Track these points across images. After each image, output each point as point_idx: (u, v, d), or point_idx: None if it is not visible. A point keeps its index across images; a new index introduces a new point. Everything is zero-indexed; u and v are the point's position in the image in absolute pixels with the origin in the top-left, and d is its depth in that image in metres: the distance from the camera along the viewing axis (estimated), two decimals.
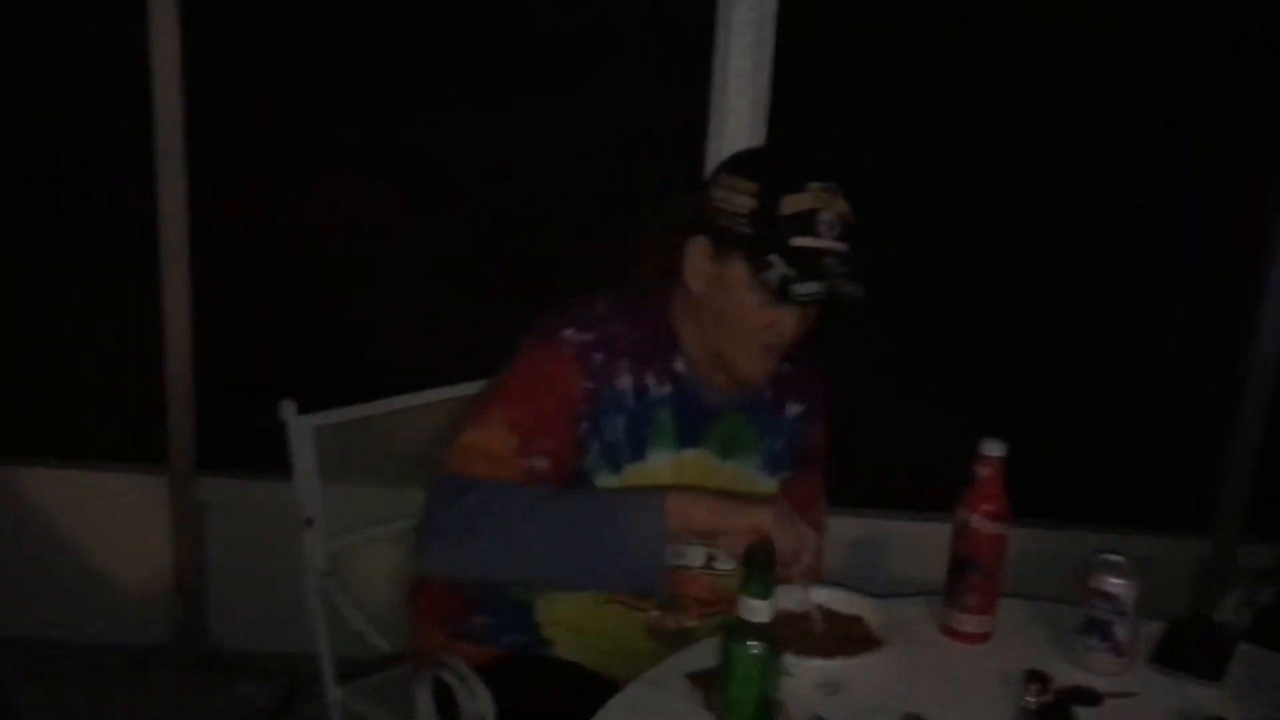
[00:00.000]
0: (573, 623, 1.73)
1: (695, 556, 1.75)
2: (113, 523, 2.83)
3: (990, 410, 2.20)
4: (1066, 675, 1.52)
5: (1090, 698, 1.48)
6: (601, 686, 1.63)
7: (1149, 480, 2.96)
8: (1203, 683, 1.54)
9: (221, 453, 2.77)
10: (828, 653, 1.50)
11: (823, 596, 1.61)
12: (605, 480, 1.68)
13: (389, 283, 2.89)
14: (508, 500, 1.56)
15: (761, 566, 1.24)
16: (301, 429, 1.96)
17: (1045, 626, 1.65)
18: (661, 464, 1.72)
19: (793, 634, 1.52)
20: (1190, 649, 1.60)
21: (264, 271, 2.84)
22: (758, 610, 1.24)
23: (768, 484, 1.83)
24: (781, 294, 1.57)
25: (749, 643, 1.24)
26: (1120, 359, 2.98)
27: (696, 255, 1.67)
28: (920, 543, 2.62)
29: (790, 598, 1.56)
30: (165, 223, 2.62)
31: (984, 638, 1.61)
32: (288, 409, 1.96)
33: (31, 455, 2.82)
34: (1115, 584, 1.52)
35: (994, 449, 1.57)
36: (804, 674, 1.46)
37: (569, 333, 1.67)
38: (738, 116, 2.55)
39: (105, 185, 2.75)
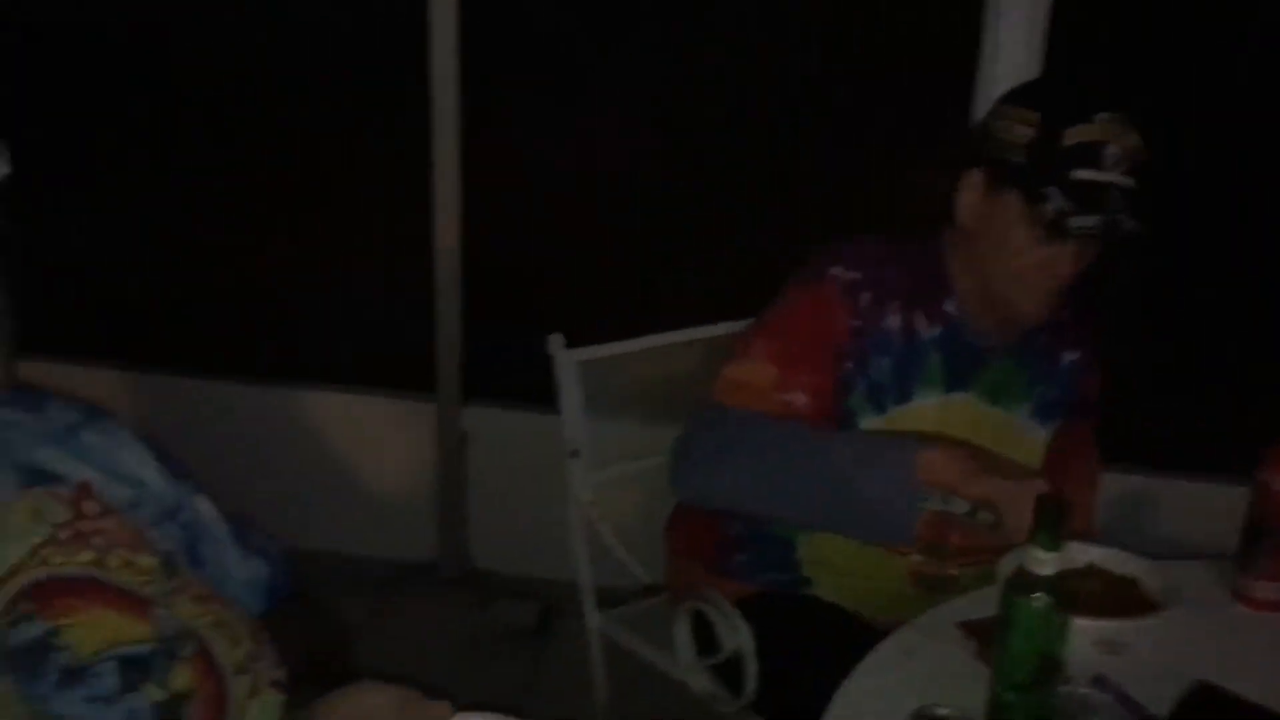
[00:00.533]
0: (833, 563, 1.72)
1: (959, 504, 1.71)
2: (384, 446, 3.00)
3: None
4: None
5: None
6: (860, 629, 1.63)
7: None
8: None
9: (486, 383, 2.87)
10: (1103, 613, 1.44)
11: (1095, 555, 1.55)
12: (869, 421, 1.66)
13: (654, 219, 2.90)
14: (761, 433, 1.57)
15: (1051, 518, 1.19)
16: (568, 363, 2.01)
17: None
18: (927, 407, 1.68)
19: (1064, 591, 1.46)
20: None
21: (532, 207, 2.91)
22: (1044, 562, 1.19)
23: (1037, 433, 1.77)
24: (1055, 228, 1.51)
25: (1033, 595, 1.20)
26: None
27: (969, 189, 1.62)
28: (1195, 505, 2.50)
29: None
30: (439, 160, 2.70)
31: None
32: (556, 343, 2.01)
33: (315, 381, 3.01)
34: None
35: None
36: (1079, 632, 1.40)
37: (836, 270, 1.64)
38: (1011, 43, 2.41)
39: (381, 125, 2.87)
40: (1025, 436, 1.77)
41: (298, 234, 3.00)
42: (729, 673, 1.72)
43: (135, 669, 0.96)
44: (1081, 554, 1.55)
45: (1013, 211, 1.56)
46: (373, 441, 2.99)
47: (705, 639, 1.75)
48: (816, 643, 1.64)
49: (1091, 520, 1.82)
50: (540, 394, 2.03)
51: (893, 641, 1.43)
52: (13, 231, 1.06)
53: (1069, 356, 1.78)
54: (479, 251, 2.79)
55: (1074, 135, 1.51)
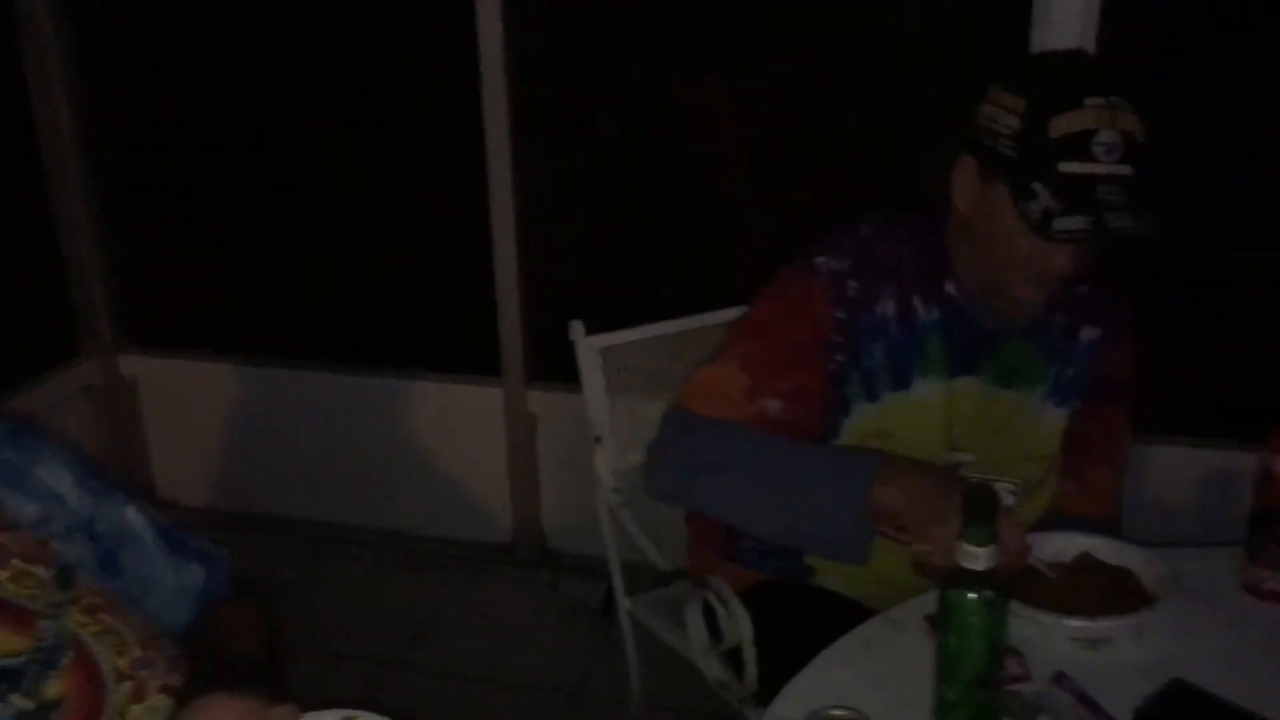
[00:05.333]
0: None
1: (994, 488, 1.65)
2: (458, 431, 3.07)
3: None
4: None
5: None
6: (863, 617, 1.59)
7: None
8: None
9: (550, 367, 2.91)
10: (1094, 611, 1.37)
11: (1089, 545, 1.48)
12: (862, 409, 1.62)
13: (691, 202, 2.89)
14: (727, 446, 1.54)
15: (982, 512, 1.15)
16: (590, 349, 2.03)
17: None
18: (929, 393, 1.63)
19: (1045, 590, 1.41)
20: None
21: (582, 200, 2.93)
22: (976, 557, 1.15)
23: (1054, 415, 1.70)
24: (1041, 228, 1.42)
25: (967, 591, 1.16)
26: None
27: (963, 175, 1.55)
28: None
29: (1044, 549, 1.45)
30: (492, 164, 2.77)
31: None
32: (576, 330, 2.02)
33: (389, 368, 3.10)
34: None
35: None
36: (1055, 629, 1.35)
37: (822, 261, 1.60)
38: (1065, 9, 2.29)
39: (437, 125, 2.93)
40: (1041, 419, 1.69)
41: (364, 235, 3.09)
42: (740, 660, 1.71)
43: (4, 680, 1.00)
44: (1072, 545, 1.49)
45: (1003, 204, 1.48)
46: (447, 427, 3.07)
47: (720, 626, 1.74)
48: (817, 633, 1.61)
49: (1110, 503, 1.73)
50: None
51: (856, 634, 1.41)
52: None
53: (1089, 334, 1.69)
54: (535, 239, 2.83)
55: (1061, 125, 1.42)
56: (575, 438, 2.88)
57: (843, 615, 1.64)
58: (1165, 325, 1.80)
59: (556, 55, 2.80)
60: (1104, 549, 1.47)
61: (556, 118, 2.83)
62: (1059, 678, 1.27)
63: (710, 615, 1.77)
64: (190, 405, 3.26)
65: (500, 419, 2.96)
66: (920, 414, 1.62)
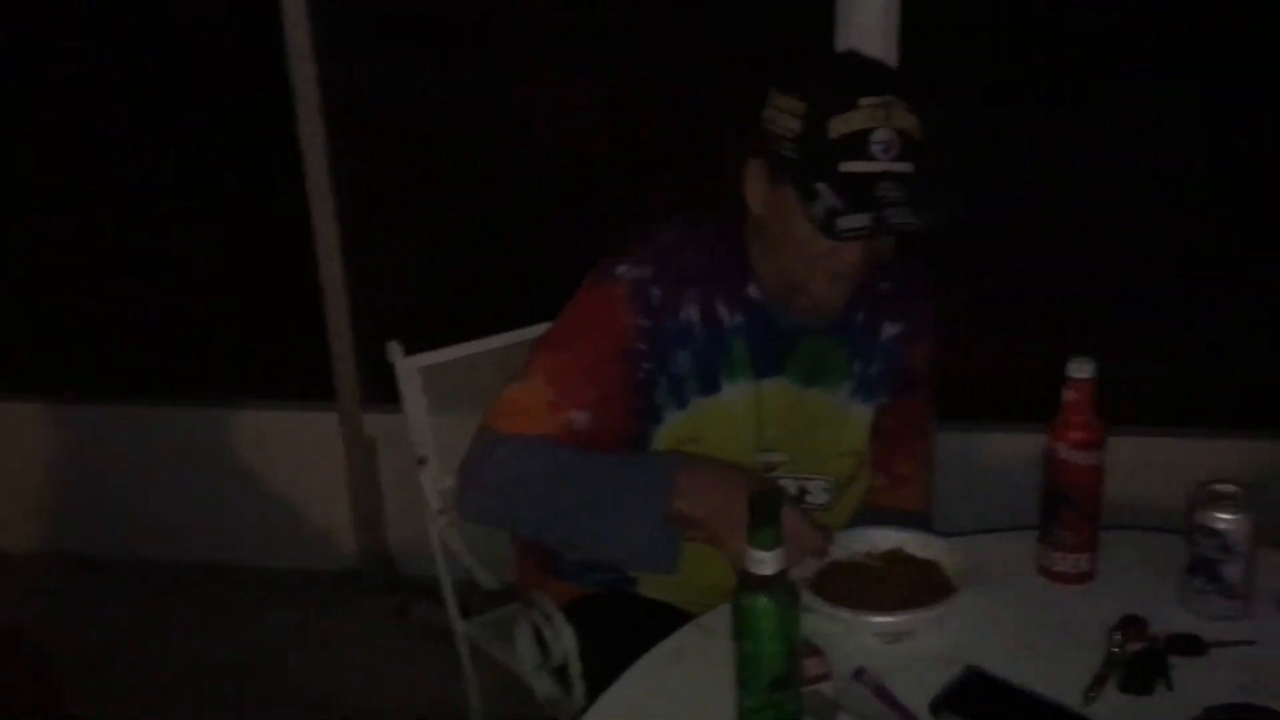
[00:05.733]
0: None
1: (786, 488, 1.67)
2: (297, 458, 3.00)
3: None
4: (1171, 620, 1.36)
5: (1193, 647, 1.32)
6: (687, 623, 1.59)
7: None
8: None
9: (387, 386, 2.85)
10: (896, 605, 1.40)
11: (900, 539, 1.50)
12: (672, 416, 1.62)
13: (520, 211, 2.87)
14: (532, 464, 1.53)
15: (767, 515, 1.15)
16: (410, 369, 1.99)
17: (1159, 563, 1.47)
18: (738, 396, 1.64)
19: (854, 586, 1.43)
20: None
21: (409, 213, 2.89)
22: (763, 562, 1.16)
23: (861, 411, 1.72)
24: (826, 228, 1.44)
25: (757, 596, 1.16)
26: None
27: (753, 178, 1.56)
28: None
29: (845, 546, 1.48)
30: (310, 179, 2.71)
31: (1083, 578, 1.46)
32: (394, 350, 1.99)
33: (214, 399, 3.01)
34: (1223, 519, 1.34)
35: (1081, 369, 1.40)
36: (865, 627, 1.37)
37: (623, 269, 1.60)
38: (867, 10, 2.34)
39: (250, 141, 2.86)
40: (849, 416, 1.72)
41: (174, 255, 3.00)
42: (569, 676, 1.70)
43: None
44: (883, 540, 1.51)
45: (792, 205, 1.50)
46: (284, 455, 2.99)
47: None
48: (642, 644, 1.60)
49: (921, 495, 1.76)
50: None
51: (668, 643, 1.41)
52: None
53: (891, 330, 1.72)
54: (362, 255, 2.77)
55: (838, 125, 1.44)
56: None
57: (669, 625, 1.65)
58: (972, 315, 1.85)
59: (371, 65, 2.76)
60: (913, 543, 1.50)
61: (374, 127, 2.78)
62: (858, 673, 1.28)
63: (541, 632, 1.75)
64: (10, 448, 3.11)
65: (338, 443, 2.90)
66: (730, 417, 1.63)
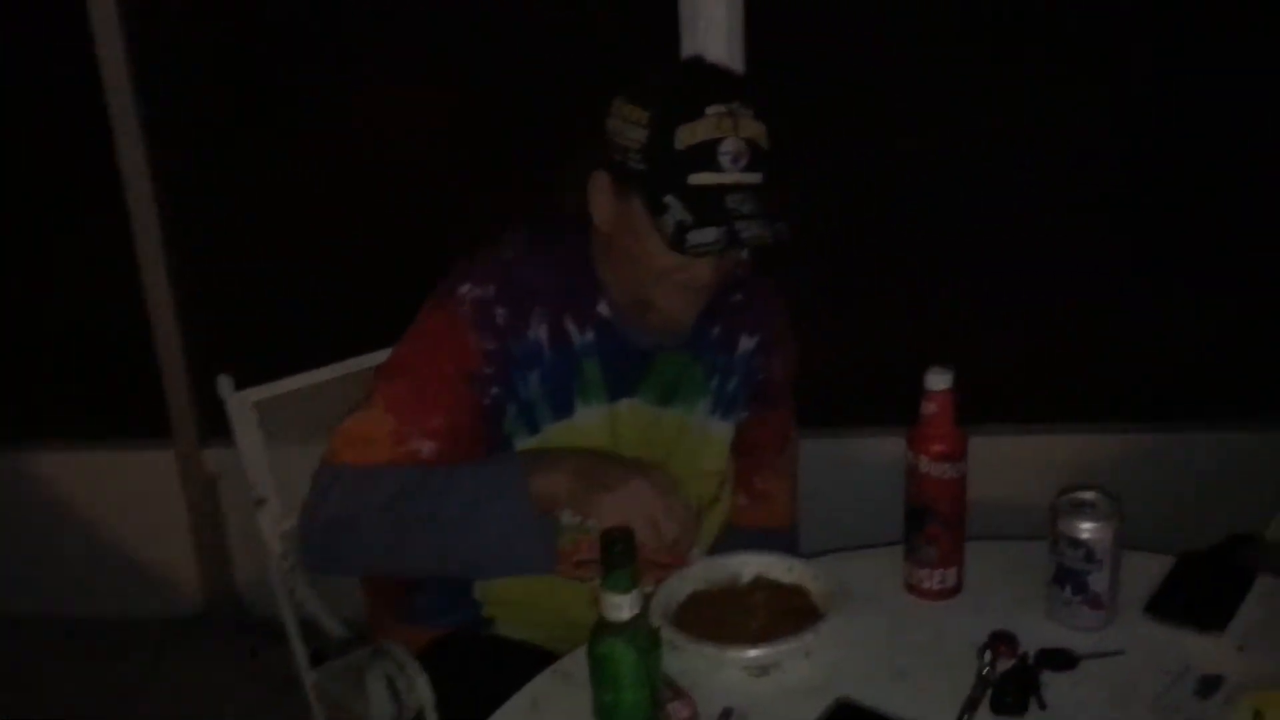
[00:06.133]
0: (511, 598, 1.60)
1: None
2: (134, 500, 2.81)
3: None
4: (1041, 634, 1.33)
5: (1063, 661, 1.29)
6: (547, 662, 1.50)
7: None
8: (1206, 634, 1.33)
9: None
10: (762, 636, 1.33)
11: (762, 566, 1.44)
12: (524, 443, 1.54)
13: (360, 228, 2.75)
14: (377, 492, 1.43)
15: (619, 556, 1.08)
16: (241, 405, 1.86)
17: (1028, 575, 1.42)
18: (592, 418, 1.56)
19: (717, 618, 1.36)
20: (1194, 593, 1.38)
21: (240, 239, 2.74)
22: (619, 606, 1.08)
23: (720, 428, 1.66)
24: (676, 243, 1.37)
25: (614, 643, 1.08)
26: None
27: (599, 191, 1.49)
28: None
29: (705, 577, 1.42)
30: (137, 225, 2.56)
31: (950, 593, 1.42)
32: (224, 385, 1.85)
33: (40, 441, 2.82)
34: (1085, 529, 1.31)
35: (939, 380, 1.36)
36: (730, 662, 1.30)
37: (465, 289, 1.50)
38: (712, 22, 2.27)
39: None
40: (708, 434, 1.65)
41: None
42: None
43: None
44: (746, 567, 1.45)
45: (640, 218, 1.42)
46: (119, 497, 2.81)
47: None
48: (501, 687, 1.51)
49: (785, 511, 1.71)
50: None
51: (524, 693, 1.32)
52: None
53: (747, 343, 1.66)
54: (192, 284, 2.61)
55: (685, 135, 1.37)
56: None
57: (527, 664, 1.56)
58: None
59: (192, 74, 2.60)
60: (776, 567, 1.44)
61: (200, 143, 2.63)
62: (725, 714, 1.22)
63: (394, 682, 1.65)
64: None
65: (176, 483, 2.73)
66: (585, 441, 1.55)
